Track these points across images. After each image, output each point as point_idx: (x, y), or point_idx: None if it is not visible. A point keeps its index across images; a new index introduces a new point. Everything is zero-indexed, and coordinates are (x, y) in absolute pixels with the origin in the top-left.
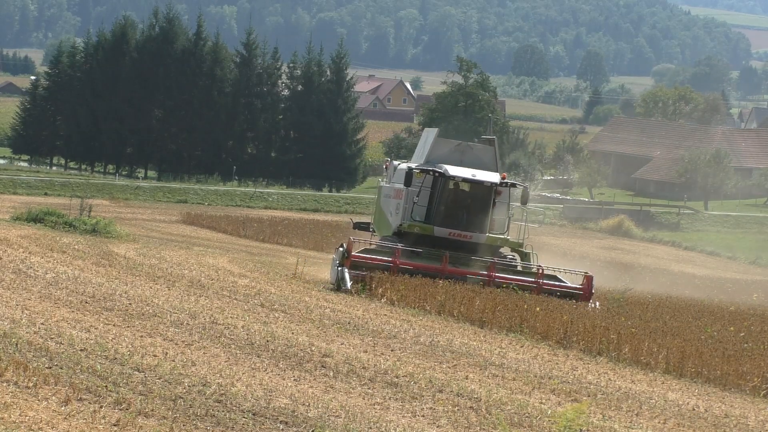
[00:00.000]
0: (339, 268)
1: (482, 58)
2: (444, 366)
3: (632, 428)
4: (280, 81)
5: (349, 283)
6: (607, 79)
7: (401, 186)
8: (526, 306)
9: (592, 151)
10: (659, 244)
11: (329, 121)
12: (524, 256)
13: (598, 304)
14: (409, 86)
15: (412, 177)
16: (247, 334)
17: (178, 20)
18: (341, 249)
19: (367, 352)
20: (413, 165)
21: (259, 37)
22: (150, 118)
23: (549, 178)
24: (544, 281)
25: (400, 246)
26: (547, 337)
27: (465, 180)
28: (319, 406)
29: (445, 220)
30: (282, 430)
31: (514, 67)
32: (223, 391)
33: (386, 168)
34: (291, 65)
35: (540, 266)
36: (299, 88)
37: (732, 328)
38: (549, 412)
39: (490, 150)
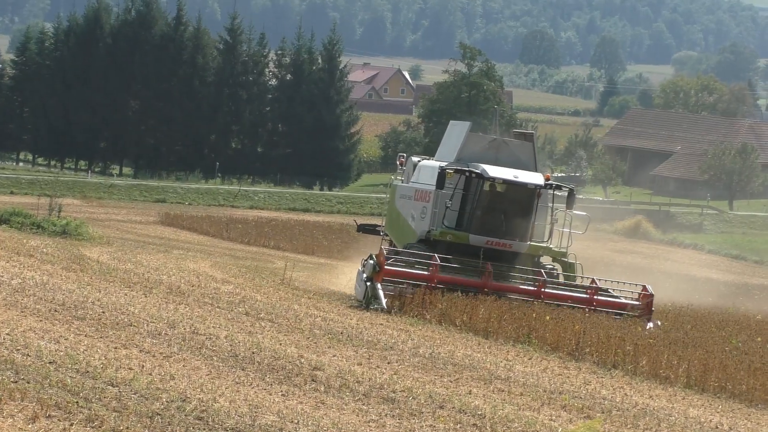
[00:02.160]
0: (368, 284)
1: (487, 45)
2: (445, 380)
3: None
4: (267, 70)
5: (384, 301)
6: (624, 67)
7: (427, 187)
8: (534, 315)
9: (606, 145)
10: (680, 248)
11: (321, 114)
12: (567, 267)
13: (660, 323)
14: (407, 75)
15: (444, 178)
16: (231, 346)
17: (156, 3)
18: (371, 261)
19: (361, 364)
20: (444, 164)
21: (244, 21)
22: (126, 109)
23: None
24: (599, 297)
25: (437, 257)
26: (558, 348)
27: (506, 182)
28: (309, 423)
29: (481, 226)
30: None
31: (522, 55)
32: (204, 408)
33: (401, 164)
34: (279, 52)
35: (593, 279)
36: (288, 77)
37: (759, 339)
38: (559, 430)
39: (528, 146)
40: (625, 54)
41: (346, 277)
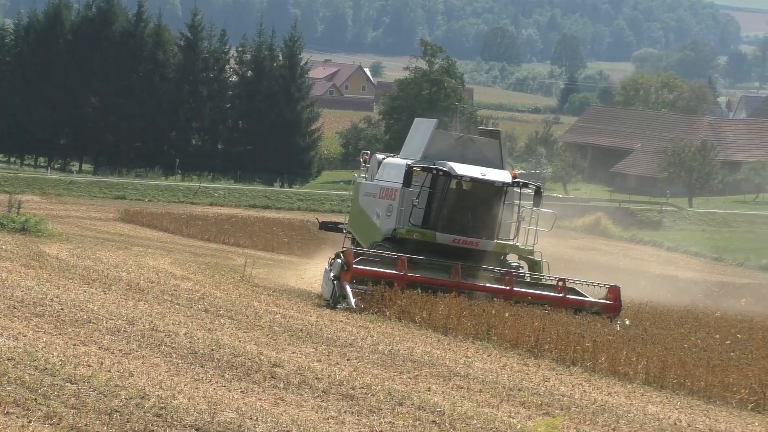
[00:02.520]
0: (336, 283)
1: (448, 42)
2: (404, 376)
3: None
4: (228, 66)
5: (353, 300)
6: (584, 64)
7: (393, 185)
8: (494, 311)
9: (567, 143)
10: (639, 244)
11: (281, 110)
12: (534, 265)
13: (628, 321)
14: (368, 72)
15: (411, 176)
16: (190, 342)
17: (116, 0)
18: (339, 261)
19: (320, 361)
20: (411, 162)
21: (205, 18)
22: (86, 106)
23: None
24: (568, 295)
25: (404, 256)
26: (517, 345)
27: (473, 179)
28: (268, 420)
29: (448, 224)
30: None
31: (483, 52)
32: (163, 404)
33: (365, 162)
34: (240, 49)
35: (562, 278)
36: (249, 73)
37: (718, 336)
38: (518, 427)
39: (494, 144)
40: (585, 51)
41: (307, 274)
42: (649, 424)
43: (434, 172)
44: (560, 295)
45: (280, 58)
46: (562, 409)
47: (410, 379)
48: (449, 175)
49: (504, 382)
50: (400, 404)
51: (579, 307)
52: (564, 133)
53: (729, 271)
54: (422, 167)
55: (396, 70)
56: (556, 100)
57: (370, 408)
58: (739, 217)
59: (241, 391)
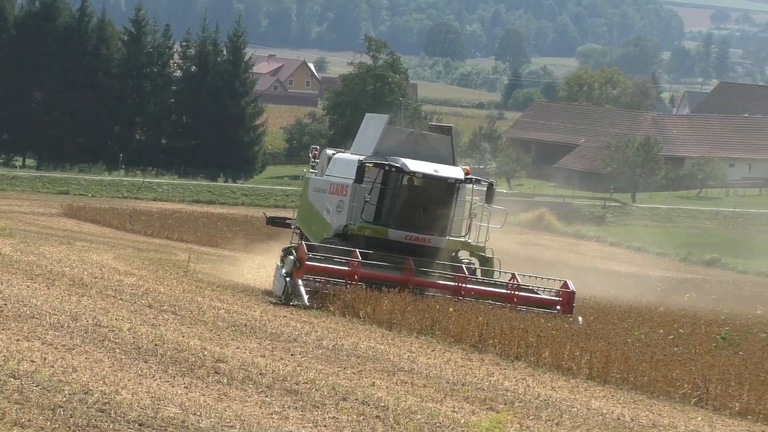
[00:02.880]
0: (288, 279)
1: (393, 37)
2: (348, 372)
3: None
4: (171, 61)
5: (305, 297)
6: (528, 60)
7: (344, 180)
8: (438, 307)
9: (511, 138)
10: (583, 240)
11: (225, 105)
12: (485, 262)
13: (581, 319)
14: (312, 67)
15: (363, 172)
16: (134, 338)
17: None
18: (291, 257)
19: (264, 356)
20: (362, 157)
21: (149, 13)
22: (29, 101)
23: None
24: (521, 293)
25: (358, 252)
26: (461, 340)
27: (426, 176)
28: (212, 415)
29: (400, 221)
30: None
31: (428, 47)
32: (106, 400)
33: (314, 157)
34: (184, 44)
35: (514, 274)
36: (193, 68)
37: (661, 331)
38: (462, 422)
39: (446, 140)
40: (529, 47)
41: (251, 269)
42: (593, 418)
43: (387, 168)
44: (512, 291)
45: (224, 53)
46: (505, 404)
47: (354, 374)
48: (402, 171)
49: (448, 377)
50: (344, 399)
51: (536, 305)
52: (508, 129)
53: (672, 267)
54: (375, 163)
55: (340, 65)
56: (500, 96)
57: (314, 403)
58: (683, 213)
59: (184, 387)
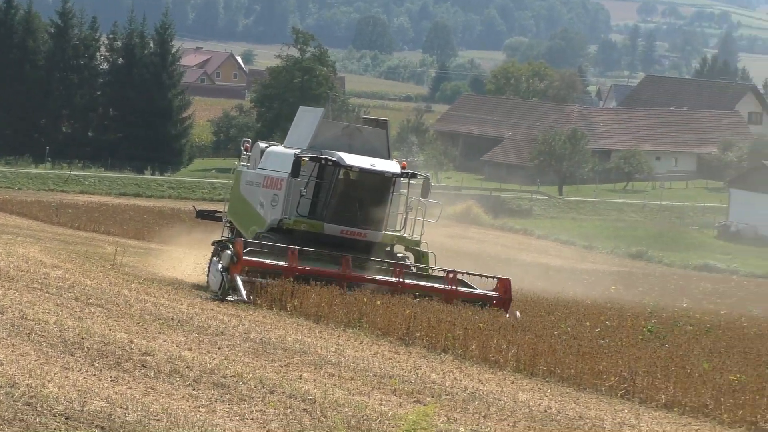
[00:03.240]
0: (225, 274)
1: (320, 30)
2: (276, 365)
3: (479, 431)
4: (98, 54)
5: (244, 293)
6: (456, 53)
7: (278, 174)
8: (365, 300)
9: (438, 131)
10: (510, 232)
11: (153, 98)
12: (420, 256)
13: (519, 314)
14: (240, 60)
15: (300, 165)
16: (60, 331)
17: None
18: (228, 251)
19: (191, 349)
20: (298, 151)
21: (75, 5)
22: None
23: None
24: (460, 288)
25: (295, 248)
26: (388, 333)
27: (363, 170)
28: (139, 408)
29: (336, 215)
30: None
31: (355, 40)
32: (33, 393)
33: (246, 150)
34: (111, 36)
35: (452, 271)
36: (120, 61)
37: (588, 324)
38: (390, 415)
39: (381, 134)
40: (457, 40)
41: (178, 262)
42: (520, 411)
43: (323, 162)
44: (451, 287)
45: (151, 45)
46: (433, 397)
47: (281, 367)
48: (338, 165)
49: (375, 370)
50: (272, 392)
51: (474, 300)
52: (435, 122)
53: (599, 259)
54: (311, 157)
55: (268, 58)
56: (428, 89)
57: (242, 396)
58: (609, 206)
59: (111, 380)
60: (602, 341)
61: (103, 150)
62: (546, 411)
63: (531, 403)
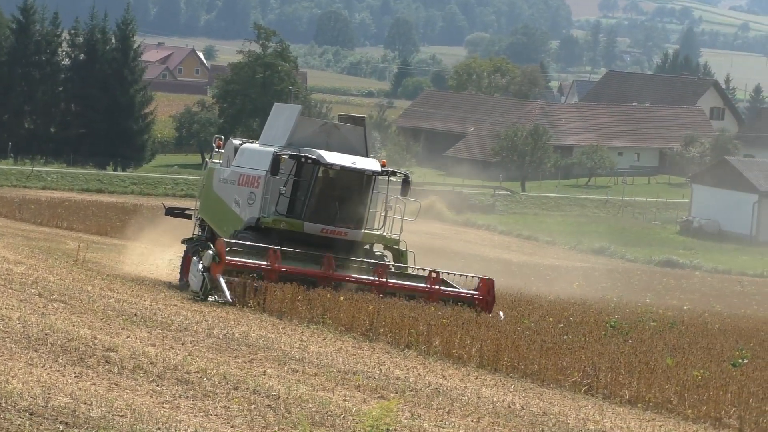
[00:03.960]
0: (206, 275)
1: (282, 26)
2: (239, 361)
3: (443, 427)
4: (60, 49)
5: (228, 293)
6: (417, 49)
7: (254, 172)
8: (329, 296)
9: (400, 127)
10: (473, 228)
11: (114, 94)
12: (399, 255)
13: (503, 314)
14: (201, 56)
15: (279, 163)
16: (24, 327)
17: None
18: (210, 252)
19: (155, 345)
20: (275, 148)
21: (37, 1)
22: None
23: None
24: (442, 288)
25: (277, 248)
26: (352, 329)
27: (343, 168)
28: (103, 404)
29: (316, 214)
30: (62, 431)
31: (317, 36)
32: None
33: (218, 147)
34: (72, 32)
35: (434, 270)
36: (81, 57)
37: (551, 319)
38: (354, 410)
39: (359, 131)
40: (418, 35)
41: (141, 258)
42: (484, 407)
43: (302, 159)
44: (434, 287)
45: (113, 41)
46: (397, 393)
47: (245, 363)
48: (318, 163)
49: (339, 366)
50: (235, 388)
51: (456, 300)
52: (397, 118)
53: (562, 255)
54: (290, 155)
55: (230, 53)
56: (390, 84)
57: (205, 392)
58: (572, 201)
59: (75, 376)
60: (565, 337)
61: (65, 146)
62: (510, 407)
63: (495, 399)
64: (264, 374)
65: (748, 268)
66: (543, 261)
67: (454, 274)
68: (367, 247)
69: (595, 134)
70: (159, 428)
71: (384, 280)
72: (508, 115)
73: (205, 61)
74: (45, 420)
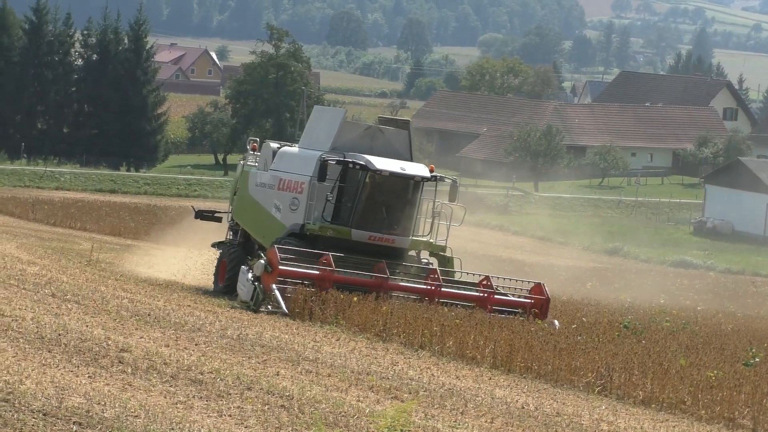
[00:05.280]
0: (258, 285)
1: (294, 26)
2: (253, 361)
3: (457, 428)
4: (73, 50)
5: (284, 304)
6: (430, 49)
7: (296, 177)
8: (342, 296)
9: (413, 127)
10: (486, 228)
11: (127, 94)
12: (446, 262)
13: (557, 323)
14: (214, 56)
15: (326, 169)
16: (37, 327)
17: None
18: (261, 261)
19: (168, 346)
20: (323, 154)
21: (50, 1)
22: None
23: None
24: (496, 295)
25: (329, 254)
26: (365, 329)
27: (393, 174)
28: (116, 405)
29: (364, 221)
30: (75, 431)
31: (330, 36)
32: (10, 390)
33: (253, 149)
34: (85, 32)
35: (487, 276)
36: (94, 57)
37: (564, 320)
38: (367, 411)
39: (404, 134)
40: (431, 36)
41: (154, 258)
42: (498, 407)
43: (350, 165)
44: (487, 294)
45: (126, 41)
46: (410, 393)
47: (259, 363)
48: (366, 168)
49: (352, 366)
50: (249, 389)
51: (510, 308)
52: (411, 118)
53: (575, 255)
54: (337, 160)
55: (242, 54)
56: (403, 85)
57: (219, 393)
58: (585, 202)
59: (88, 376)
60: (579, 337)
61: (78, 146)
62: (523, 407)
63: (508, 400)
64: (277, 375)
65: (761, 269)
66: (556, 262)
67: (503, 279)
68: (412, 253)
69: (609, 135)
70: (173, 429)
71: (438, 288)
72: (521, 116)
73: (217, 62)
74: (58, 420)
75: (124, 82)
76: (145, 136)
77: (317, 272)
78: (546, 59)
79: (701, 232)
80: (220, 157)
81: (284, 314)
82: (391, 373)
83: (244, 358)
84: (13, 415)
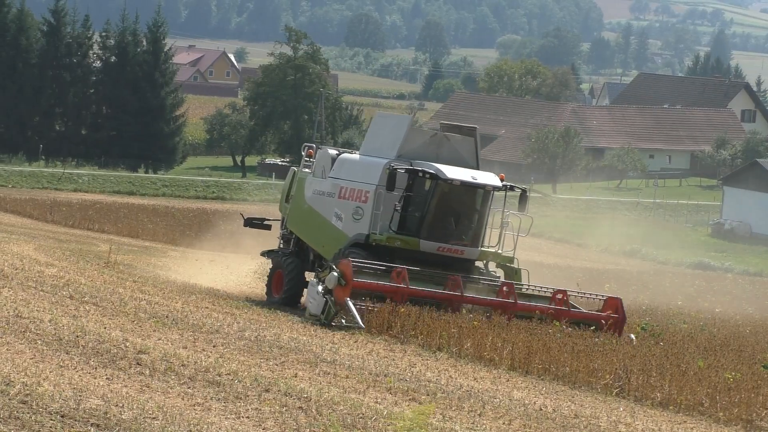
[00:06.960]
0: (329, 298)
1: (313, 28)
2: (271, 363)
3: (474, 429)
4: (91, 52)
5: (359, 318)
6: (448, 51)
7: (358, 185)
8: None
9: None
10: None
11: (146, 96)
12: (513, 274)
13: (634, 337)
14: (233, 58)
15: (395, 178)
16: (55, 329)
17: None
18: (334, 273)
19: (186, 348)
20: (391, 162)
21: (68, 3)
22: None
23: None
24: (572, 309)
25: (403, 267)
26: (383, 331)
27: (464, 183)
28: (134, 407)
29: (432, 231)
30: None
31: (348, 38)
32: (28, 391)
33: (309, 156)
34: (103, 34)
35: (562, 290)
36: (112, 59)
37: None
38: (385, 413)
39: (470, 141)
40: (449, 38)
41: (172, 260)
42: (515, 409)
43: (419, 174)
44: (562, 308)
45: (144, 43)
46: (428, 395)
47: (277, 365)
48: (437, 177)
49: (370, 368)
50: (267, 390)
51: (586, 322)
52: (429, 120)
53: (593, 257)
54: (407, 169)
55: (261, 56)
56: (421, 87)
57: (237, 394)
58: (603, 203)
59: (106, 378)
60: (597, 339)
61: (96, 148)
62: (541, 409)
63: (526, 402)
64: (295, 376)
65: None
66: (574, 263)
67: (576, 293)
68: (479, 264)
69: (627, 136)
70: (190, 430)
71: (513, 301)
72: (539, 117)
73: (236, 64)
74: (76, 422)
75: (142, 83)
76: (163, 138)
77: (391, 286)
78: (564, 61)
79: (719, 233)
80: (238, 158)
81: (359, 328)
82: (409, 374)
83: (262, 360)
84: (30, 417)
